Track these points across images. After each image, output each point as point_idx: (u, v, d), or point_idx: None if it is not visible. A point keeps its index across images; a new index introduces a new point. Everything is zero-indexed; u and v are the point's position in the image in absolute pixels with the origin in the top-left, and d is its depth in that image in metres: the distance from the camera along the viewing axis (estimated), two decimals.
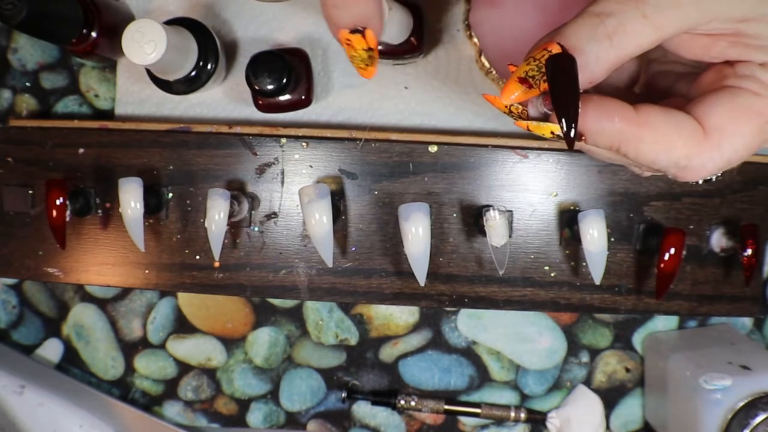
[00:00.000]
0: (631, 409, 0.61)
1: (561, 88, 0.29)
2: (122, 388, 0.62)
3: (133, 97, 0.59)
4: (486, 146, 0.54)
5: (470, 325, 0.60)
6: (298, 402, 0.62)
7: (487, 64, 0.56)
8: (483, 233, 0.51)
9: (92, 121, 0.56)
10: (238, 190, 0.54)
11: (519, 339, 0.60)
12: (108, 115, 0.60)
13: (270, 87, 0.50)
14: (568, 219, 0.53)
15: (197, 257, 0.55)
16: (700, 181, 0.37)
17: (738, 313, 0.56)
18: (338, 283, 0.55)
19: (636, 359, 0.61)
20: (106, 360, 0.62)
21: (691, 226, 0.54)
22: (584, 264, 0.54)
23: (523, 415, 0.60)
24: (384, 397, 0.60)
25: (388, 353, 0.61)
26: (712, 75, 0.33)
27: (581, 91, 0.30)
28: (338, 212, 0.54)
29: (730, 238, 0.53)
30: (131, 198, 0.49)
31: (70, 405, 0.59)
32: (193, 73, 0.53)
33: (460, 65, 0.58)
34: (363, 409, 0.61)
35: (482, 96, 0.33)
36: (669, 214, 0.54)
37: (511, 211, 0.54)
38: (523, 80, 0.30)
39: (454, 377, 0.61)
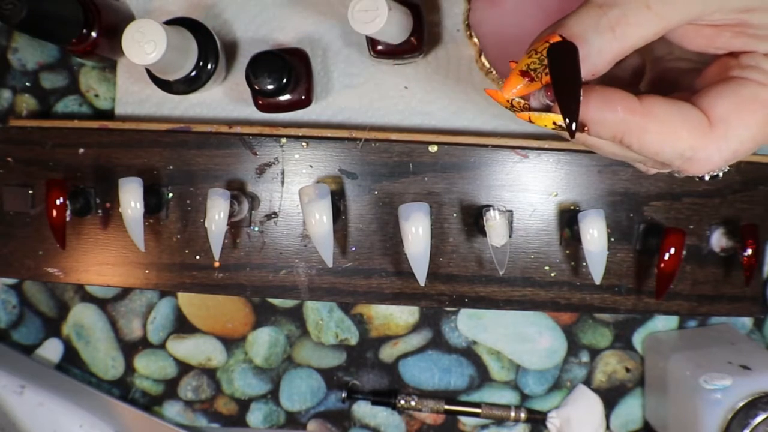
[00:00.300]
0: (631, 409, 0.61)
1: (562, 76, 0.28)
2: (122, 388, 0.62)
3: (133, 97, 0.59)
4: (486, 146, 0.54)
5: (470, 325, 0.60)
6: (298, 402, 0.62)
7: (487, 64, 0.56)
8: (483, 233, 0.51)
9: (92, 121, 0.56)
10: (238, 190, 0.54)
11: (519, 339, 0.60)
12: (108, 115, 0.60)
13: (270, 87, 0.50)
14: (568, 219, 0.53)
15: (197, 257, 0.55)
16: (707, 177, 0.37)
17: (738, 313, 0.56)
18: (338, 283, 0.55)
19: (636, 359, 0.61)
20: (106, 360, 0.62)
21: (691, 226, 0.54)
22: (584, 264, 0.54)
23: (523, 415, 0.60)
24: (384, 397, 0.60)
25: (388, 353, 0.61)
26: (717, 67, 0.32)
27: (583, 82, 0.29)
28: (338, 212, 0.54)
29: (730, 238, 0.53)
30: (131, 198, 0.49)
31: (70, 405, 0.59)
32: (193, 73, 0.53)
33: (460, 65, 0.58)
34: (363, 409, 0.61)
35: (484, 91, 0.33)
36: (669, 214, 0.54)
37: (511, 211, 0.54)
38: (524, 73, 0.30)
39: (454, 377, 0.61)
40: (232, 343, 0.61)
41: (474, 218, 0.54)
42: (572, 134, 0.29)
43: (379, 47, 0.52)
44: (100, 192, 0.55)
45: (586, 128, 0.30)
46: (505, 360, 0.61)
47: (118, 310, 0.62)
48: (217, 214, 0.49)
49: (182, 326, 0.61)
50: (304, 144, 0.54)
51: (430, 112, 0.58)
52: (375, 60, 0.55)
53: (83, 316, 0.62)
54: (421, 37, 0.52)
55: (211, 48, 0.53)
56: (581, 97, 0.28)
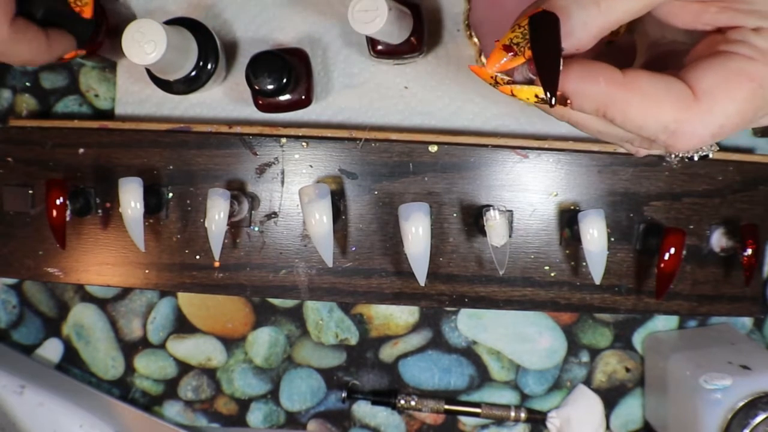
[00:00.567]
0: (631, 409, 0.61)
1: (542, 46, 0.28)
2: (122, 388, 0.62)
3: (133, 97, 0.59)
4: (486, 146, 0.54)
5: (470, 325, 0.60)
6: (298, 402, 0.62)
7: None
8: (483, 233, 0.51)
9: (92, 121, 0.56)
10: (238, 190, 0.54)
11: (519, 339, 0.60)
12: (108, 115, 0.60)
13: (270, 87, 0.50)
14: (568, 219, 0.53)
15: (197, 257, 0.55)
16: (695, 157, 0.36)
17: (738, 313, 0.56)
18: (338, 283, 0.55)
19: (636, 359, 0.61)
20: (106, 360, 0.62)
21: (691, 226, 0.54)
22: (584, 264, 0.54)
23: (523, 415, 0.60)
24: (384, 397, 0.60)
25: (388, 353, 0.61)
26: (705, 44, 0.32)
27: (568, 56, 0.29)
28: (338, 212, 0.54)
29: (730, 238, 0.53)
30: (131, 198, 0.49)
31: (70, 405, 0.59)
32: (193, 73, 0.53)
33: (460, 65, 0.58)
34: (363, 409, 0.61)
35: (468, 67, 0.32)
36: (669, 214, 0.54)
37: (511, 211, 0.54)
38: (507, 48, 0.29)
39: (454, 377, 0.61)
40: (232, 343, 0.61)
41: (474, 218, 0.54)
42: (551, 104, 0.28)
43: (379, 47, 0.52)
44: (100, 192, 0.55)
45: (569, 101, 0.30)
46: (505, 360, 0.61)
47: (118, 310, 0.62)
48: (217, 214, 0.49)
49: (182, 326, 0.61)
50: (304, 144, 0.54)
51: (430, 112, 0.58)
52: (375, 60, 0.55)
53: (83, 316, 0.62)
54: (421, 37, 0.52)
55: (211, 48, 0.53)
56: (562, 68, 0.28)
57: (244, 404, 0.62)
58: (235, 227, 0.55)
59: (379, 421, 0.61)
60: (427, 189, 0.54)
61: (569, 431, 0.59)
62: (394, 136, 0.55)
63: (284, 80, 0.50)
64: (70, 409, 0.58)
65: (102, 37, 0.52)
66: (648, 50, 0.38)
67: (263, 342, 0.61)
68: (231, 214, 0.51)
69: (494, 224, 0.49)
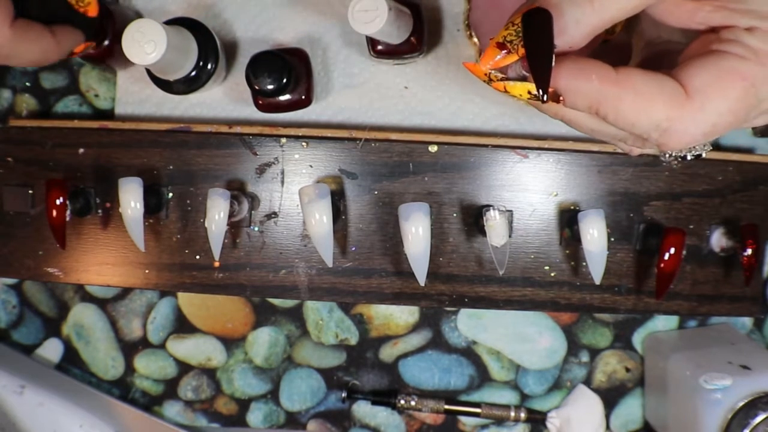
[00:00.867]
0: (631, 409, 0.61)
1: (535, 42, 0.28)
2: (122, 388, 0.62)
3: (133, 97, 0.59)
4: (486, 146, 0.54)
5: (470, 325, 0.60)
6: (298, 402, 0.62)
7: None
8: (483, 233, 0.51)
9: (92, 121, 0.56)
10: (238, 190, 0.54)
11: (519, 339, 0.60)
12: (108, 115, 0.60)
13: (270, 87, 0.50)
14: (568, 219, 0.53)
15: (197, 257, 0.55)
16: (689, 156, 0.36)
17: (738, 313, 0.56)
18: (338, 283, 0.55)
19: (636, 359, 0.61)
20: (106, 360, 0.62)
21: (691, 226, 0.54)
22: (584, 264, 0.54)
23: (523, 415, 0.60)
24: (384, 397, 0.60)
25: (388, 353, 0.61)
26: (699, 43, 0.32)
27: (561, 53, 0.29)
28: (338, 212, 0.54)
29: (730, 238, 0.53)
30: (131, 198, 0.49)
31: (70, 405, 0.59)
32: (193, 73, 0.53)
33: (460, 65, 0.58)
34: (363, 409, 0.61)
35: (462, 64, 0.33)
36: (669, 214, 0.54)
37: (511, 210, 0.54)
38: (501, 45, 0.30)
39: (454, 377, 0.61)
40: (232, 343, 0.61)
41: (474, 218, 0.54)
42: (543, 100, 0.28)
43: (379, 47, 0.52)
44: (100, 192, 0.55)
45: (561, 98, 0.30)
46: (505, 360, 0.61)
47: (118, 310, 0.62)
48: (217, 214, 0.49)
49: (182, 326, 0.61)
50: (304, 144, 0.54)
51: (430, 112, 0.58)
52: (375, 60, 0.55)
53: (83, 316, 0.62)
54: (421, 37, 0.52)
55: (211, 48, 0.53)
56: (554, 64, 0.28)
57: (244, 404, 0.62)
58: (235, 227, 0.55)
59: (379, 421, 0.61)
60: (427, 189, 0.54)
61: (569, 431, 0.59)
62: (394, 136, 0.55)
63: (284, 80, 0.50)
64: (70, 409, 0.58)
65: (110, 39, 0.52)
66: (644, 49, 0.38)
67: (263, 342, 0.61)
68: (231, 214, 0.51)
69: (494, 224, 0.49)
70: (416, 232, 0.46)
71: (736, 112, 0.30)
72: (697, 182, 0.54)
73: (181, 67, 0.51)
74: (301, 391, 0.61)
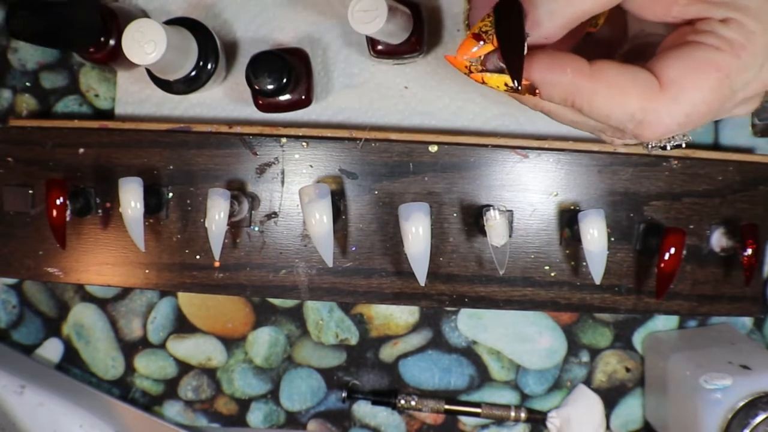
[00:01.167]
0: (631, 408, 0.61)
1: (506, 32, 0.29)
2: (122, 388, 0.62)
3: (133, 97, 0.59)
4: (486, 146, 0.54)
5: (470, 324, 0.60)
6: (298, 402, 0.62)
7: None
8: (483, 233, 0.51)
9: (92, 121, 0.56)
10: (238, 190, 0.54)
11: (519, 339, 0.60)
12: (108, 115, 0.60)
13: (270, 87, 0.50)
14: (568, 219, 0.53)
15: (197, 257, 0.55)
16: (668, 147, 0.37)
17: (738, 313, 0.56)
18: (338, 282, 0.55)
19: (636, 359, 0.61)
20: (106, 360, 0.62)
21: (691, 226, 0.54)
22: (584, 264, 0.54)
23: (523, 415, 0.60)
24: (384, 397, 0.60)
25: (388, 353, 0.61)
26: (674, 36, 0.32)
27: (537, 45, 0.30)
28: (338, 212, 0.54)
29: (730, 238, 0.53)
30: (131, 198, 0.49)
31: (70, 405, 0.59)
32: (193, 73, 0.53)
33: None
34: (363, 409, 0.61)
35: (444, 57, 0.34)
36: (669, 214, 0.54)
37: (511, 210, 0.54)
38: (477, 36, 0.30)
39: (454, 377, 0.61)
40: (232, 343, 0.61)
41: (474, 218, 0.54)
42: (517, 89, 0.29)
43: (379, 47, 0.52)
44: (100, 192, 0.55)
45: (537, 91, 0.31)
46: (505, 360, 0.61)
47: (118, 310, 0.62)
48: (217, 214, 0.49)
49: (182, 326, 0.61)
50: (304, 144, 0.54)
51: (430, 112, 0.58)
52: (375, 60, 0.55)
53: (83, 316, 0.62)
54: (421, 37, 0.52)
55: (211, 48, 0.53)
56: (526, 54, 0.29)
57: (244, 404, 0.62)
58: (235, 227, 0.55)
59: (379, 421, 0.61)
60: (427, 189, 0.54)
61: (569, 431, 0.59)
62: (394, 136, 0.55)
63: (284, 80, 0.50)
64: (70, 409, 0.58)
65: (115, 40, 0.52)
66: (628, 43, 0.38)
67: (263, 342, 0.61)
68: (231, 214, 0.51)
69: (494, 224, 0.49)
70: (416, 232, 0.46)
71: (710, 103, 0.30)
72: (697, 182, 0.54)
73: (181, 67, 0.51)
74: (301, 391, 0.61)
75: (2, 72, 0.61)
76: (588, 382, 0.61)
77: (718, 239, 0.54)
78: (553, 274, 0.54)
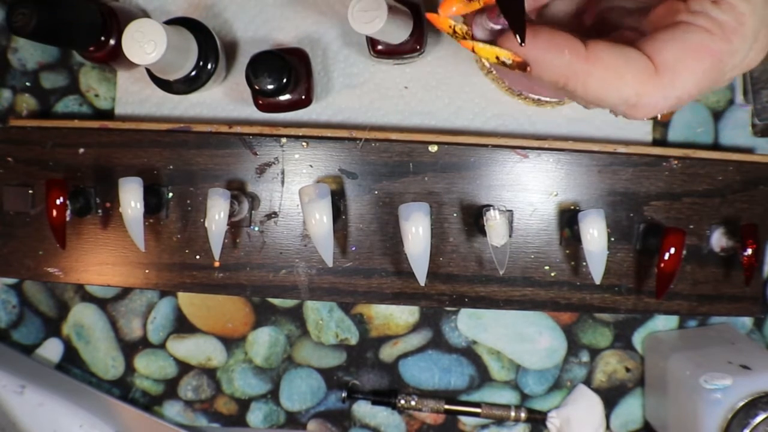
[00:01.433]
0: (631, 408, 0.61)
1: None
2: (122, 388, 0.62)
3: (133, 96, 0.59)
4: (486, 146, 0.54)
5: (470, 324, 0.60)
6: (298, 402, 0.62)
7: (487, 64, 0.56)
8: (483, 233, 0.51)
9: (92, 121, 0.56)
10: (238, 190, 0.54)
11: (519, 339, 0.60)
12: (108, 115, 0.60)
13: (270, 87, 0.50)
14: (568, 219, 0.53)
15: (197, 257, 0.55)
16: (645, 118, 0.37)
17: (738, 312, 0.56)
18: (338, 282, 0.55)
19: (636, 359, 0.61)
20: (106, 360, 0.62)
21: (691, 226, 0.54)
22: (584, 264, 0.54)
23: (523, 415, 0.60)
24: (384, 397, 0.60)
25: (388, 353, 0.61)
26: (664, 9, 0.32)
27: (530, 16, 0.29)
28: (338, 212, 0.54)
29: (730, 238, 0.53)
30: (131, 198, 0.49)
31: (70, 405, 0.59)
32: (193, 73, 0.53)
33: (460, 65, 0.58)
34: (363, 409, 0.61)
35: (425, 16, 0.32)
36: (669, 214, 0.54)
37: (511, 210, 0.54)
38: None
39: (454, 377, 0.61)
40: (232, 343, 0.61)
41: (474, 218, 0.54)
42: (522, 38, 0.28)
43: (379, 47, 0.52)
44: (100, 192, 0.55)
45: (529, 69, 0.30)
46: (505, 360, 0.61)
47: (118, 310, 0.62)
48: (217, 213, 0.49)
49: (182, 326, 0.61)
50: (304, 144, 0.54)
51: (430, 112, 0.58)
52: (375, 60, 0.55)
53: (83, 316, 0.62)
54: (421, 37, 0.52)
55: (211, 48, 0.53)
56: (530, 32, 0.28)
57: (244, 404, 0.62)
58: (235, 227, 0.55)
59: (379, 421, 0.61)
60: (427, 189, 0.54)
61: (569, 431, 0.59)
62: (394, 136, 0.55)
63: (284, 80, 0.50)
64: (70, 409, 0.58)
65: (116, 39, 0.52)
66: (599, 5, 0.38)
67: (263, 342, 0.61)
68: (231, 214, 0.51)
69: (494, 224, 0.49)
70: (416, 232, 0.46)
71: (700, 86, 0.30)
72: (697, 182, 0.54)
73: (181, 67, 0.51)
74: (301, 391, 0.61)
75: (2, 72, 0.61)
76: (588, 382, 0.61)
77: (718, 239, 0.54)
78: (553, 274, 0.54)
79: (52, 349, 0.62)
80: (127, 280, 0.56)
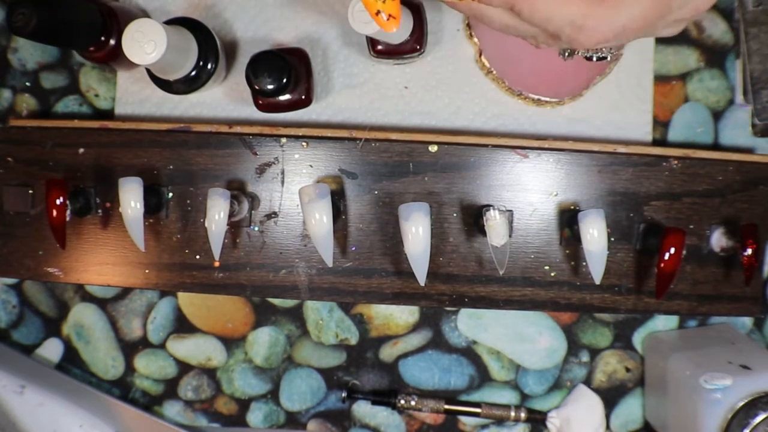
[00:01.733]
0: (631, 408, 0.61)
1: None
2: (122, 388, 0.62)
3: (133, 96, 0.59)
4: (486, 146, 0.54)
5: (470, 324, 0.60)
6: (298, 402, 0.62)
7: (487, 64, 0.56)
8: (483, 233, 0.51)
9: (92, 121, 0.56)
10: (238, 190, 0.54)
11: (519, 339, 0.60)
12: (108, 114, 0.60)
13: (270, 87, 0.50)
14: (568, 219, 0.53)
15: (197, 257, 0.55)
16: (594, 58, 0.37)
17: (738, 312, 0.56)
18: (338, 282, 0.55)
19: (636, 359, 0.61)
20: (106, 360, 0.62)
21: (691, 226, 0.54)
22: (584, 264, 0.54)
23: (523, 415, 0.60)
24: (384, 397, 0.60)
25: (388, 353, 0.61)
26: None
27: None
28: (338, 212, 0.54)
29: (730, 238, 0.53)
30: (131, 198, 0.49)
31: (70, 405, 0.59)
32: (193, 73, 0.53)
33: (460, 65, 0.58)
34: (363, 409, 0.61)
35: None
36: (669, 214, 0.54)
37: (511, 210, 0.54)
38: None
39: (454, 377, 0.61)
40: (232, 343, 0.61)
41: (474, 218, 0.54)
42: None
43: (379, 47, 0.52)
44: (100, 192, 0.55)
45: None
46: (505, 360, 0.61)
47: (118, 310, 0.62)
48: (217, 213, 0.49)
49: (182, 326, 0.61)
50: (304, 144, 0.54)
51: (430, 112, 0.58)
52: (375, 60, 0.55)
53: (83, 316, 0.62)
54: (421, 37, 0.52)
55: (211, 48, 0.53)
56: None
57: (244, 404, 0.62)
58: (235, 227, 0.55)
59: (379, 421, 0.61)
60: (427, 189, 0.54)
61: (569, 431, 0.59)
62: (394, 136, 0.55)
63: (284, 80, 0.50)
64: (70, 409, 0.58)
65: (116, 39, 0.52)
66: None
67: (263, 342, 0.61)
68: (231, 214, 0.51)
69: (494, 224, 0.49)
70: (416, 232, 0.46)
71: (647, 17, 0.31)
72: (697, 182, 0.54)
73: (181, 67, 0.51)
74: (301, 391, 0.61)
75: (2, 72, 0.61)
76: (588, 382, 0.61)
77: (718, 239, 0.54)
78: (553, 274, 0.54)
79: (52, 349, 0.62)
80: (127, 280, 0.56)
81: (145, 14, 0.58)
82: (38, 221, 0.56)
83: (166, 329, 0.61)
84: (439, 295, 0.55)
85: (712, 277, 0.55)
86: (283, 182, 0.55)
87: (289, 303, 0.61)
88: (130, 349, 0.62)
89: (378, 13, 0.32)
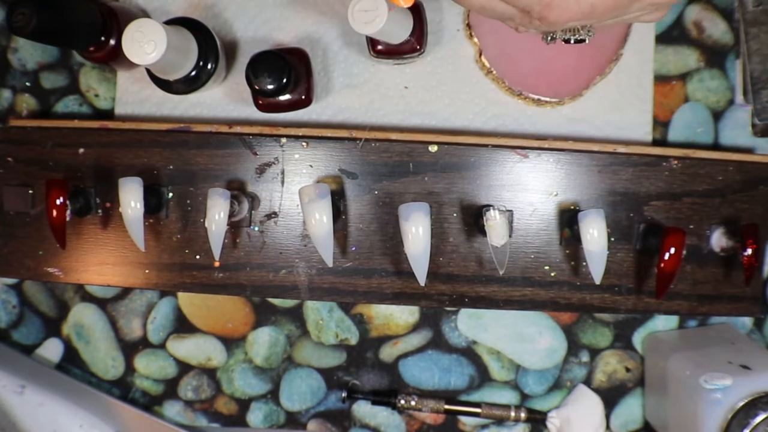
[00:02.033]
0: (631, 408, 0.61)
1: None
2: (122, 388, 0.62)
3: (133, 96, 0.59)
4: (486, 146, 0.54)
5: (470, 324, 0.60)
6: (298, 402, 0.62)
7: (487, 64, 0.56)
8: (483, 233, 0.51)
9: (92, 121, 0.56)
10: (238, 190, 0.54)
11: (519, 339, 0.60)
12: (108, 115, 0.60)
13: (270, 87, 0.50)
14: (568, 219, 0.53)
15: (197, 257, 0.55)
16: (572, 40, 0.37)
17: (738, 312, 0.56)
18: (338, 282, 0.55)
19: (636, 359, 0.61)
20: (106, 360, 0.62)
21: (691, 226, 0.54)
22: (584, 264, 0.54)
23: (523, 415, 0.60)
24: (384, 397, 0.60)
25: (388, 353, 0.61)
26: None
27: None
28: (338, 212, 0.54)
29: (730, 238, 0.53)
30: (131, 198, 0.49)
31: (70, 405, 0.59)
32: (193, 73, 0.53)
33: (460, 65, 0.58)
34: (363, 409, 0.61)
35: None
36: (669, 214, 0.54)
37: (511, 210, 0.54)
38: None
39: (454, 377, 0.61)
40: (232, 343, 0.61)
41: (474, 218, 0.54)
42: None
43: (379, 47, 0.52)
44: (100, 192, 0.55)
45: None
46: (505, 360, 0.61)
47: (118, 310, 0.62)
48: (217, 213, 0.49)
49: (182, 326, 0.61)
50: (304, 144, 0.54)
51: (430, 112, 0.58)
52: (375, 60, 0.55)
53: (83, 316, 0.62)
54: (421, 37, 0.52)
55: (211, 48, 0.53)
56: None
57: (244, 404, 0.62)
58: (235, 227, 0.55)
59: (379, 421, 0.61)
60: (427, 189, 0.54)
61: (569, 431, 0.59)
62: (394, 136, 0.55)
63: (284, 80, 0.50)
64: (70, 409, 0.58)
65: (116, 39, 0.52)
66: None
67: (263, 342, 0.61)
68: (231, 214, 0.51)
69: (494, 224, 0.49)
70: (416, 232, 0.46)
71: None
72: (697, 182, 0.54)
73: (181, 67, 0.51)
74: (301, 391, 0.61)
75: (2, 72, 0.61)
76: (588, 382, 0.61)
77: (718, 239, 0.54)
78: (553, 274, 0.54)
79: (52, 349, 0.62)
80: (127, 280, 0.56)
81: (145, 14, 0.58)
82: (38, 221, 0.56)
83: (166, 329, 0.61)
84: (439, 295, 0.55)
85: (712, 277, 0.55)
86: (283, 182, 0.55)
87: (289, 303, 0.61)
88: (130, 349, 0.62)
89: None
